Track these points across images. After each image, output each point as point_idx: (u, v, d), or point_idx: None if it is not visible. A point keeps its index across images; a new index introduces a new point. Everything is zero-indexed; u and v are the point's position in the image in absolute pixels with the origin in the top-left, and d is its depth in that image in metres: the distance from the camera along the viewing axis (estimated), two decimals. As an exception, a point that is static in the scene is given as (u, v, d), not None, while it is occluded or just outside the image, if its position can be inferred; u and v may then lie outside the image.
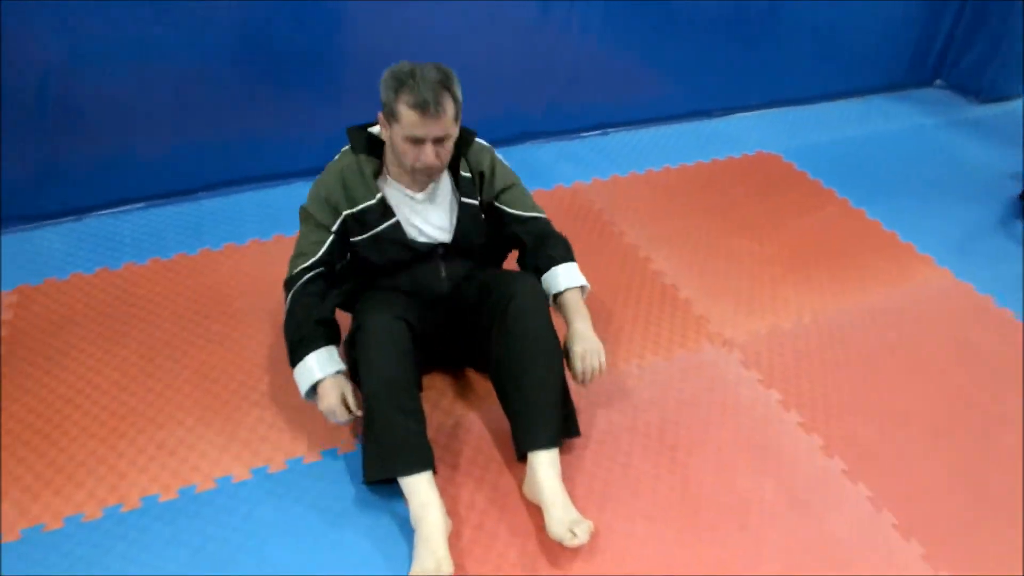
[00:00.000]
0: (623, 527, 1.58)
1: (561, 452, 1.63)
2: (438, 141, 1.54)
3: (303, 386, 1.63)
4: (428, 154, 1.54)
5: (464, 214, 1.72)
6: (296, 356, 1.64)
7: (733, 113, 3.39)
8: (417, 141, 1.53)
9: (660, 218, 2.64)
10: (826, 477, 1.71)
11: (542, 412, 1.60)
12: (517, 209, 1.80)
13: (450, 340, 1.82)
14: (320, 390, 1.61)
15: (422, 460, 1.54)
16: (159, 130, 2.51)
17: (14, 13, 2.15)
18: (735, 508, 1.63)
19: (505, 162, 1.82)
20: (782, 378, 1.98)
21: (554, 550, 1.52)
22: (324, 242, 1.68)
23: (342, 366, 1.65)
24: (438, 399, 1.88)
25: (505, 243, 1.88)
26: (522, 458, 1.64)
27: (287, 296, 1.70)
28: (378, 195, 1.66)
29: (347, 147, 1.72)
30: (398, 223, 1.68)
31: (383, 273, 1.74)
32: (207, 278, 2.30)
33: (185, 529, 1.56)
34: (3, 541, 1.53)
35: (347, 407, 1.63)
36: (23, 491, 1.64)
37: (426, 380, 1.86)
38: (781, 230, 2.58)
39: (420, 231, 1.71)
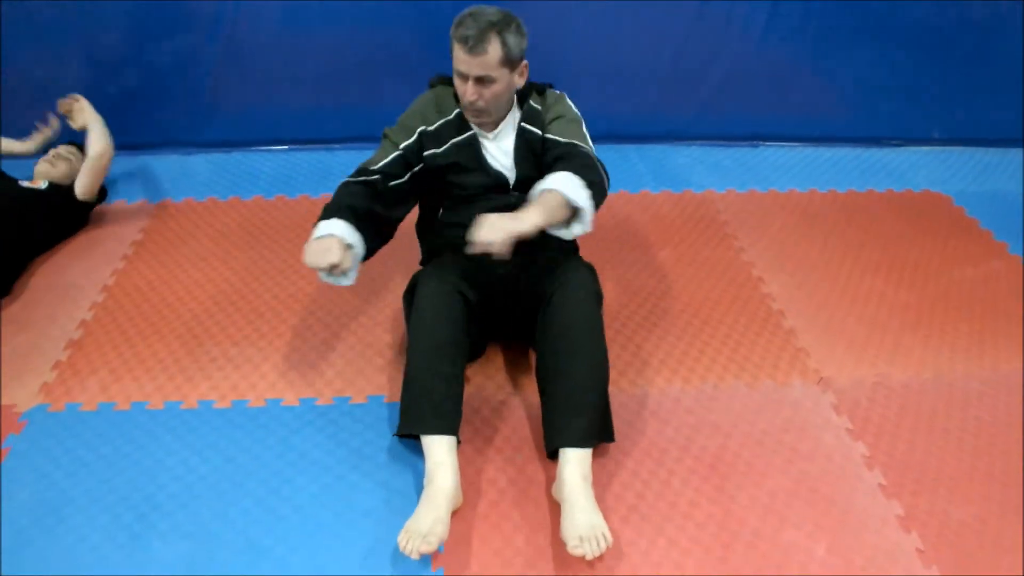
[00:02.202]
0: (641, 543, 1.46)
1: (600, 454, 1.55)
2: (479, 81, 1.57)
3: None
4: (468, 90, 1.58)
5: (522, 140, 1.69)
6: (318, 221, 1.59)
7: (907, 145, 3.03)
8: (462, 76, 1.57)
9: (788, 241, 2.42)
10: (895, 552, 1.47)
11: (576, 409, 1.53)
12: (556, 135, 1.68)
13: (510, 316, 1.79)
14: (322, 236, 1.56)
15: (446, 424, 1.52)
16: (310, 83, 2.71)
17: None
18: (773, 559, 1.44)
19: (573, 105, 1.76)
20: (875, 432, 1.73)
21: (560, 549, 1.43)
22: (388, 156, 1.69)
23: (355, 241, 1.59)
24: (495, 372, 1.85)
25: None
26: (552, 456, 1.58)
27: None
28: (456, 111, 1.69)
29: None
30: (475, 136, 1.69)
31: (458, 196, 1.73)
32: (321, 221, 2.44)
33: (226, 436, 1.66)
34: (82, 409, 1.72)
35: (335, 262, 1.50)
36: (109, 372, 1.82)
37: (488, 352, 1.89)
38: (928, 278, 2.27)
39: (493, 157, 1.72)
